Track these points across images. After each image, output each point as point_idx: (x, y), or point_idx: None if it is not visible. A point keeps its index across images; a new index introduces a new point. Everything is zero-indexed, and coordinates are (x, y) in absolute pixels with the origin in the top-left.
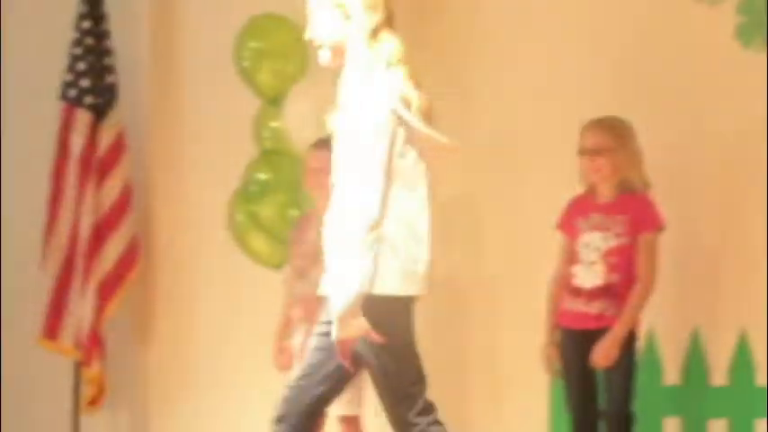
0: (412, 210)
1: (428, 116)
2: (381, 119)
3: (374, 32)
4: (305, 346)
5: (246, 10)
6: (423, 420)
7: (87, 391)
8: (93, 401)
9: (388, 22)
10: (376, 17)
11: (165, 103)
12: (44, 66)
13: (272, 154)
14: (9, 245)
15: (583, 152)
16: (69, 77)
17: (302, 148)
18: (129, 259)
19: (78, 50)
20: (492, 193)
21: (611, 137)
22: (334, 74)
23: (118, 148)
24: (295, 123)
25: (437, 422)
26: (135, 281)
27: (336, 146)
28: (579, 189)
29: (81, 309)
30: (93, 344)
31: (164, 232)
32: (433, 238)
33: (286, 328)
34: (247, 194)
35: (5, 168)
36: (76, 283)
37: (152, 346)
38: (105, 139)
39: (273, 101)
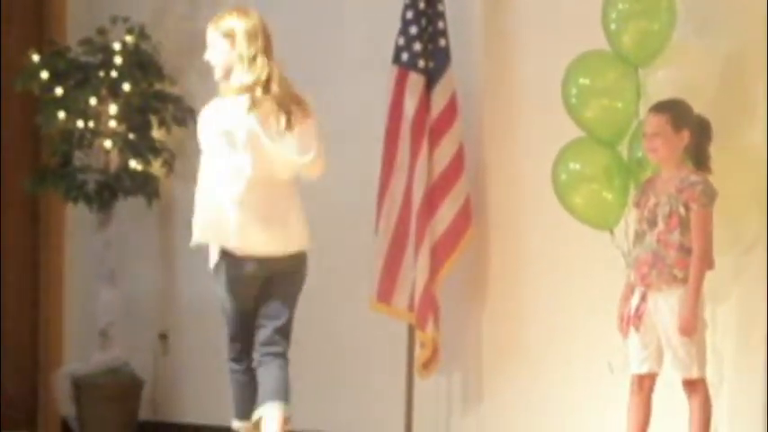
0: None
1: None
2: None
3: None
4: (640, 311)
5: None
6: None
7: (422, 354)
8: (428, 364)
9: None
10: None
11: (497, 66)
12: (378, 31)
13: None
14: (345, 209)
15: None
16: (402, 41)
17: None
18: (462, 221)
19: (411, 14)
20: None
21: None
22: None
23: (450, 111)
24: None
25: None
26: (468, 242)
27: None
28: None
29: (415, 272)
30: (428, 307)
31: (495, 193)
32: None
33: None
34: (570, 154)
35: (343, 134)
36: (410, 246)
37: (485, 307)
38: (438, 102)
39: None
